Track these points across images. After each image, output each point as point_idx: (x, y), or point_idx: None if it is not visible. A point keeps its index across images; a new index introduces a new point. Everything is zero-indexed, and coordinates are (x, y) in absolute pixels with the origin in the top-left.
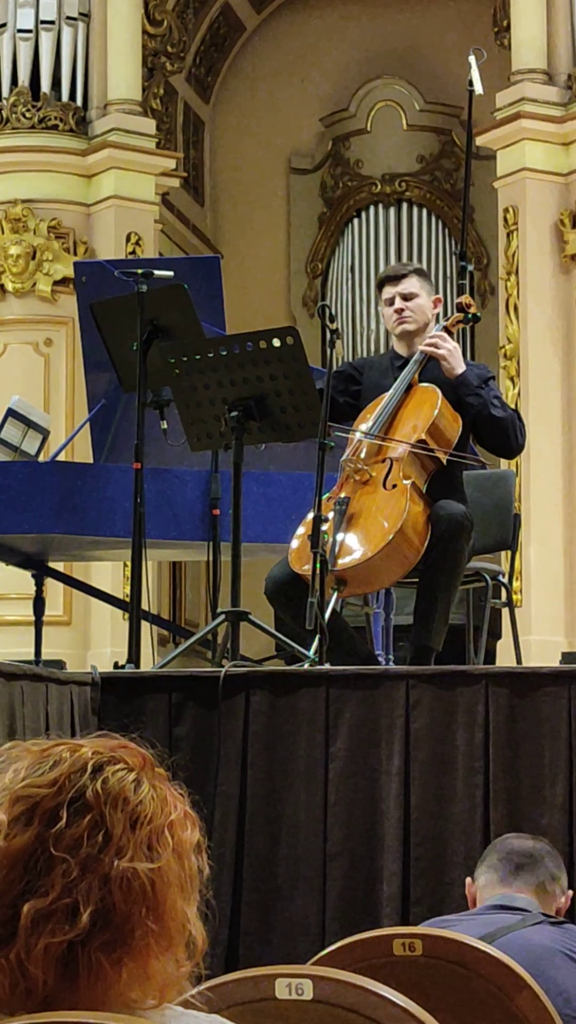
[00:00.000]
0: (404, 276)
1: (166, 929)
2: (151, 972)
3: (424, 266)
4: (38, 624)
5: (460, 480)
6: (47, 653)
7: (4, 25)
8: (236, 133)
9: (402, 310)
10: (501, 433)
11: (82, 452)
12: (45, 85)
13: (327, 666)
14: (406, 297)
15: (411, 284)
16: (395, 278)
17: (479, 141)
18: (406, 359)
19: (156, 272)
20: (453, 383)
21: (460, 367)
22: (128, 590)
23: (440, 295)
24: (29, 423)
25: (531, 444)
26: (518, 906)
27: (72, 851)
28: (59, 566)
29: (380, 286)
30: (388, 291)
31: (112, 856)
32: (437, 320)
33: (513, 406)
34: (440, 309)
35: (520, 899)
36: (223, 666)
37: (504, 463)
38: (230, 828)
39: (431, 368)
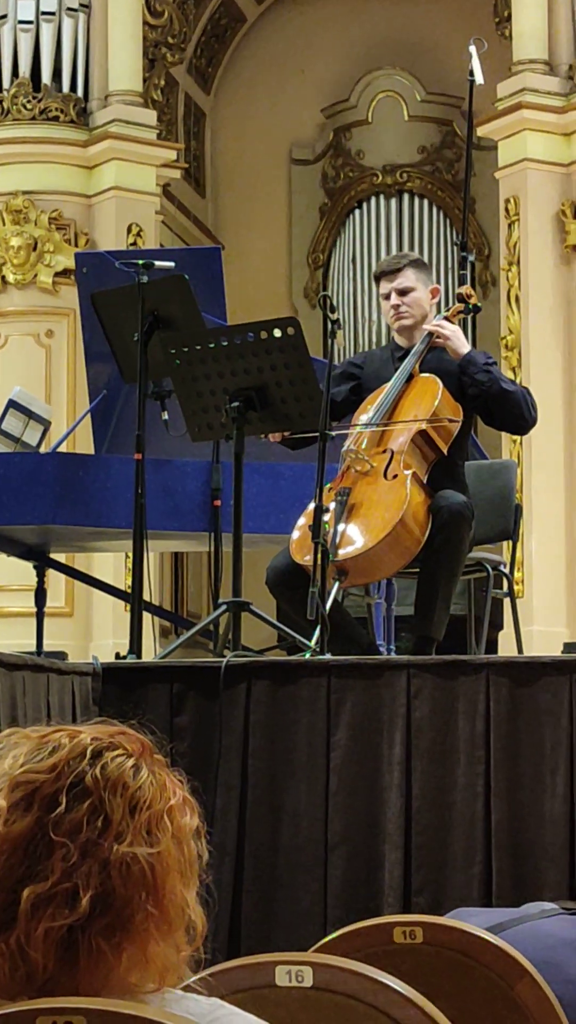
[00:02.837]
0: (399, 270)
1: (166, 914)
2: (151, 956)
3: (425, 257)
4: (40, 615)
5: (461, 470)
6: (49, 644)
7: (5, 16)
8: (237, 124)
9: (399, 306)
10: (514, 407)
11: (83, 443)
12: (46, 76)
13: (328, 656)
14: (402, 292)
15: (407, 278)
16: (390, 272)
17: (480, 132)
18: (406, 350)
19: (157, 263)
20: (460, 363)
21: (465, 347)
22: (130, 581)
23: (440, 285)
24: (30, 414)
25: (533, 434)
26: None
27: (72, 836)
28: (61, 557)
29: (377, 280)
30: (384, 286)
31: (112, 841)
32: (438, 310)
33: None
34: (439, 298)
35: None
36: (224, 656)
37: (505, 453)
38: (232, 817)
39: (432, 359)
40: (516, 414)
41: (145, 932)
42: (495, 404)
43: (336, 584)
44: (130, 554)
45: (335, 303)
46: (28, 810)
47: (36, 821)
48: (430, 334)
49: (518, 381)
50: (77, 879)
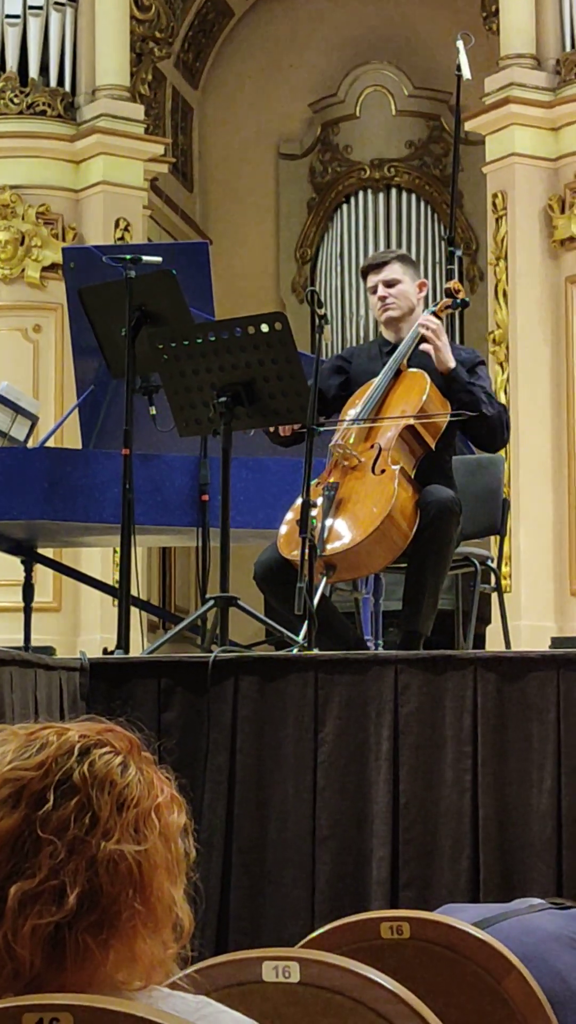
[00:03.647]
0: (386, 263)
1: (153, 911)
2: (138, 954)
3: (413, 251)
4: (27, 610)
5: (449, 465)
6: (37, 639)
7: None
8: (225, 118)
9: (385, 297)
10: (489, 431)
11: (71, 438)
12: (33, 71)
13: (316, 651)
14: (389, 284)
15: (393, 270)
16: (377, 266)
17: (468, 126)
18: (394, 345)
19: (144, 258)
20: (445, 378)
21: (451, 361)
22: (117, 576)
23: (428, 280)
24: (18, 409)
25: (520, 429)
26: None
27: (59, 833)
28: (48, 552)
29: (364, 275)
30: (371, 279)
31: (99, 838)
32: (426, 304)
33: (502, 392)
34: (426, 293)
35: None
36: (212, 651)
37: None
38: (219, 813)
39: (420, 353)
40: (488, 437)
41: (132, 929)
42: (471, 423)
43: (324, 579)
44: (118, 549)
45: (323, 298)
46: (15, 807)
47: (23, 818)
48: (420, 336)
49: (505, 377)
50: (64, 876)
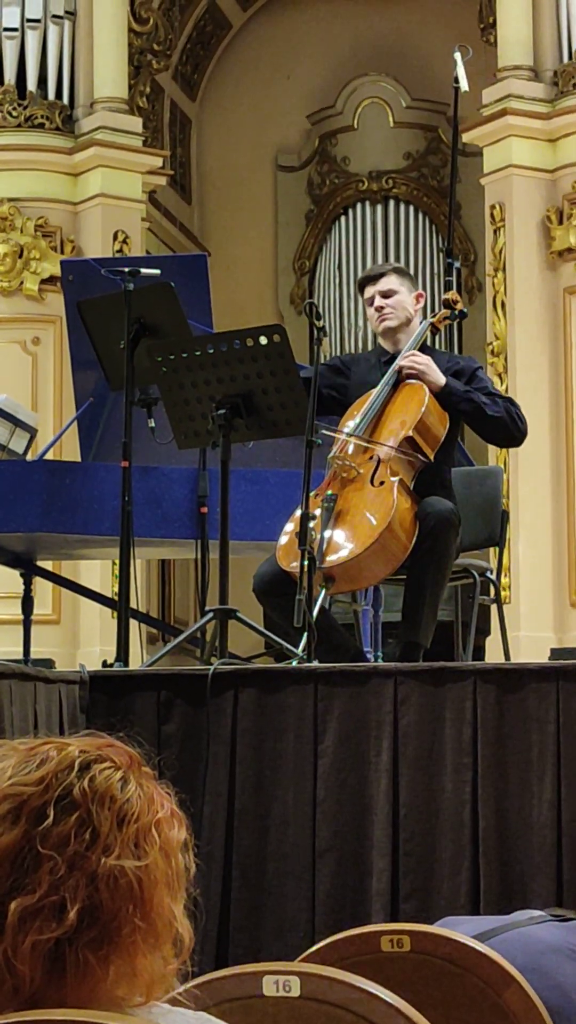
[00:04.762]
0: (382, 275)
1: (153, 926)
2: (138, 970)
3: (411, 263)
4: (27, 623)
5: (448, 477)
6: (36, 652)
7: None
8: (223, 131)
9: (383, 308)
10: (501, 429)
11: (70, 451)
12: (31, 83)
13: (315, 663)
14: (385, 295)
15: (390, 282)
16: (374, 278)
17: (466, 138)
18: (392, 355)
19: (143, 270)
20: (439, 396)
21: (440, 379)
22: (116, 588)
23: (425, 292)
24: (16, 422)
25: None
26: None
27: (59, 849)
28: (47, 565)
29: (361, 288)
30: (368, 291)
31: (99, 854)
32: (424, 316)
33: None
34: (423, 304)
35: None
36: (211, 664)
37: (492, 459)
38: (219, 825)
39: None
40: (503, 435)
41: (132, 945)
42: (479, 427)
43: (323, 591)
44: (117, 561)
45: (321, 310)
46: (16, 823)
47: (24, 834)
48: (400, 369)
49: (504, 388)
50: (64, 892)
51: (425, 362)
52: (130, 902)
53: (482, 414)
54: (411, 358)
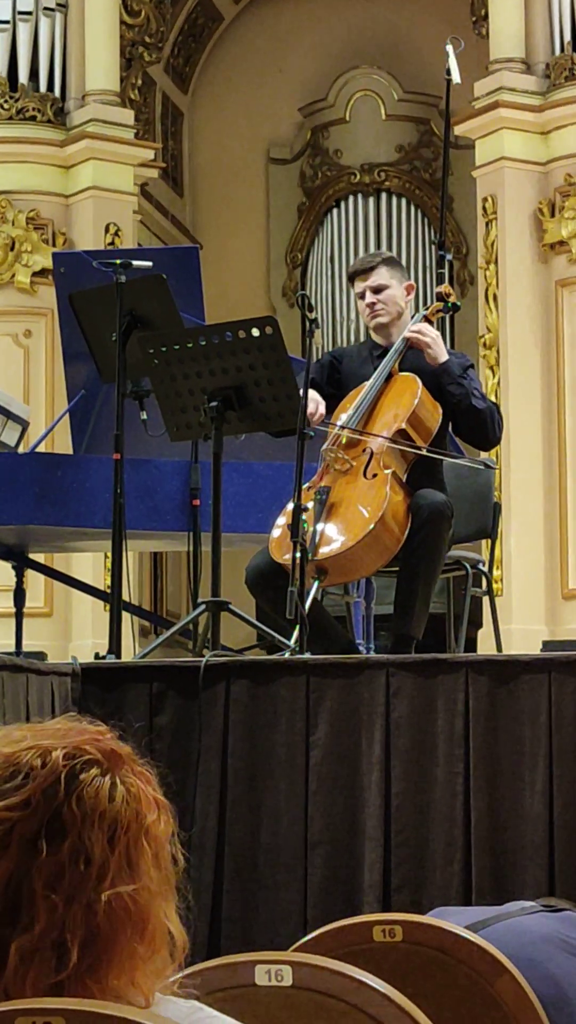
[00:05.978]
0: (372, 268)
1: (151, 941)
2: (137, 980)
3: (403, 255)
4: (19, 615)
5: (440, 469)
6: (28, 645)
7: None
8: (215, 123)
9: (374, 304)
10: (480, 424)
11: (62, 443)
12: (23, 76)
13: (308, 655)
14: (376, 290)
15: (380, 276)
16: (364, 271)
17: (458, 130)
18: (385, 349)
19: (135, 263)
20: (436, 371)
21: (443, 355)
22: (108, 581)
23: (418, 284)
24: (8, 414)
25: (511, 433)
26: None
27: (55, 883)
28: (39, 557)
29: (351, 280)
30: (359, 285)
31: (94, 882)
32: (416, 308)
33: (493, 396)
34: (414, 295)
35: None
36: (204, 656)
37: (484, 452)
38: (211, 817)
39: (411, 357)
40: (479, 432)
41: (131, 962)
42: (462, 417)
43: (315, 583)
44: (109, 554)
45: (313, 302)
46: (6, 850)
47: (16, 865)
48: (407, 339)
49: (496, 381)
50: (65, 930)
51: (433, 335)
52: (128, 926)
53: (468, 402)
54: (421, 328)
